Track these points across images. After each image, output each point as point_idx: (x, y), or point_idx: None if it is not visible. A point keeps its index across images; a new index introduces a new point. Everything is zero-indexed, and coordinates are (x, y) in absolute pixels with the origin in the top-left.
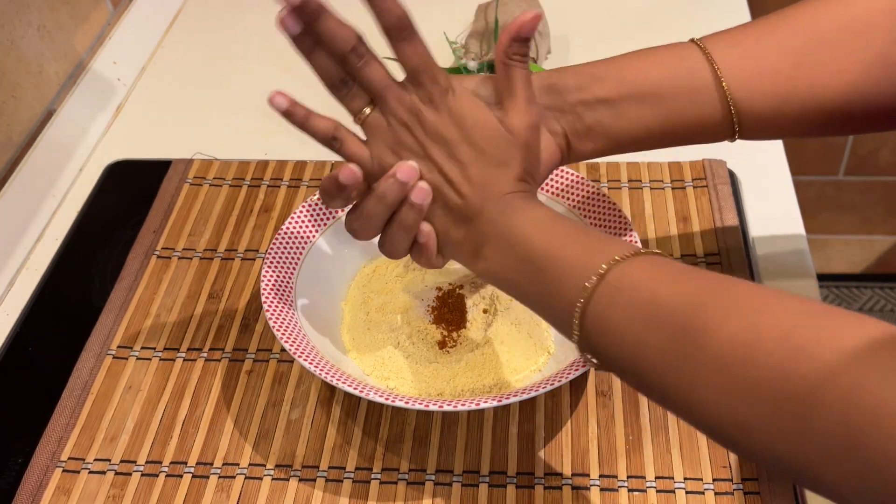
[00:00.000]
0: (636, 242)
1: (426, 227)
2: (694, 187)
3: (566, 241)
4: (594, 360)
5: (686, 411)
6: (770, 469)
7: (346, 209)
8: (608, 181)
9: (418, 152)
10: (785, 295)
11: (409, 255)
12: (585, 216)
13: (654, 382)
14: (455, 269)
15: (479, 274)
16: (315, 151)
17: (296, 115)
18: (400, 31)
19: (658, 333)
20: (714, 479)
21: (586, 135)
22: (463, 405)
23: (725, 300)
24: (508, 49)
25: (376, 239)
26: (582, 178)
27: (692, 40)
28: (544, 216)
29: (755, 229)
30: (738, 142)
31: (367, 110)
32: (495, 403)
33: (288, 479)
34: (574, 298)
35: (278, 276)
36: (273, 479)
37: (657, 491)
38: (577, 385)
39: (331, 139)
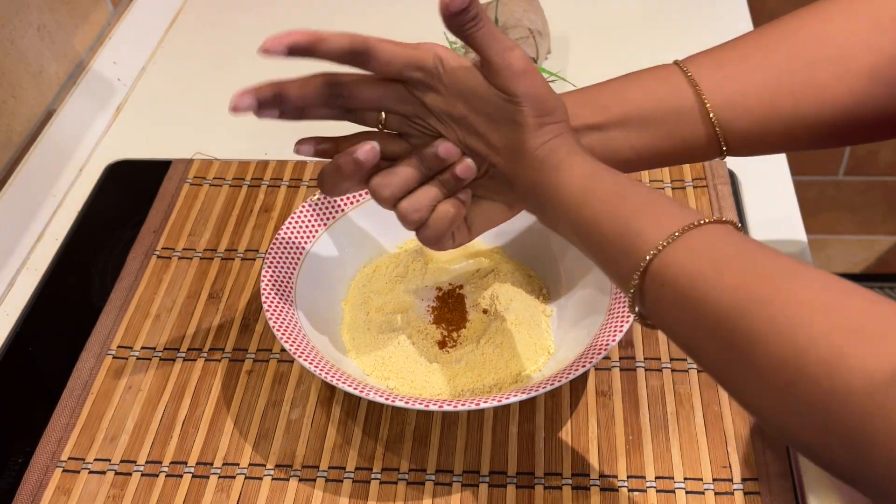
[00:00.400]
0: None
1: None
2: (694, 187)
3: (606, 218)
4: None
5: (744, 407)
6: None
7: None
8: None
9: (443, 134)
10: (837, 301)
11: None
12: None
13: (711, 374)
14: (455, 268)
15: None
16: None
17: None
18: (361, 55)
19: (708, 338)
20: (714, 479)
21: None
22: (463, 405)
23: (770, 307)
24: (455, 31)
25: (375, 238)
26: None
27: (675, 62)
28: (580, 179)
29: (755, 229)
30: None
31: (383, 115)
32: (495, 403)
33: (288, 479)
34: (625, 287)
35: (278, 276)
36: (273, 479)
37: (657, 491)
38: (577, 385)
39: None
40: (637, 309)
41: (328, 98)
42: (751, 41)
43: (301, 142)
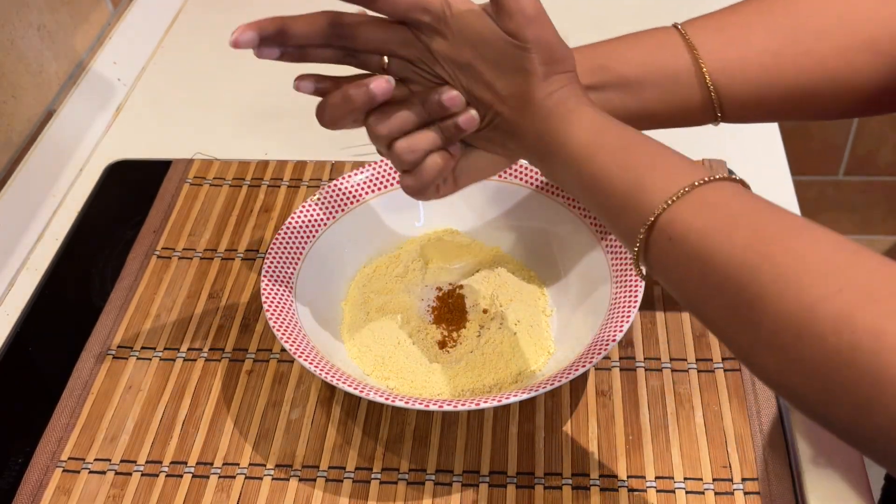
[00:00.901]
0: None
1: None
2: (724, 177)
3: (615, 170)
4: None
5: (744, 363)
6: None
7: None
8: None
9: (447, 82)
10: (847, 261)
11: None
12: (585, 215)
13: (717, 334)
14: (455, 268)
15: (552, 181)
16: (315, 151)
17: (323, 90)
18: None
19: (715, 293)
20: (714, 479)
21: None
22: (463, 405)
23: (781, 265)
24: None
25: (375, 239)
26: None
27: (675, 25)
28: (590, 129)
29: None
30: (738, 142)
31: (386, 60)
32: (495, 403)
33: (288, 479)
34: (630, 241)
35: (278, 276)
36: (273, 479)
37: (657, 491)
38: (577, 385)
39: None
40: (641, 265)
41: (332, 37)
42: (753, 8)
43: (301, 77)
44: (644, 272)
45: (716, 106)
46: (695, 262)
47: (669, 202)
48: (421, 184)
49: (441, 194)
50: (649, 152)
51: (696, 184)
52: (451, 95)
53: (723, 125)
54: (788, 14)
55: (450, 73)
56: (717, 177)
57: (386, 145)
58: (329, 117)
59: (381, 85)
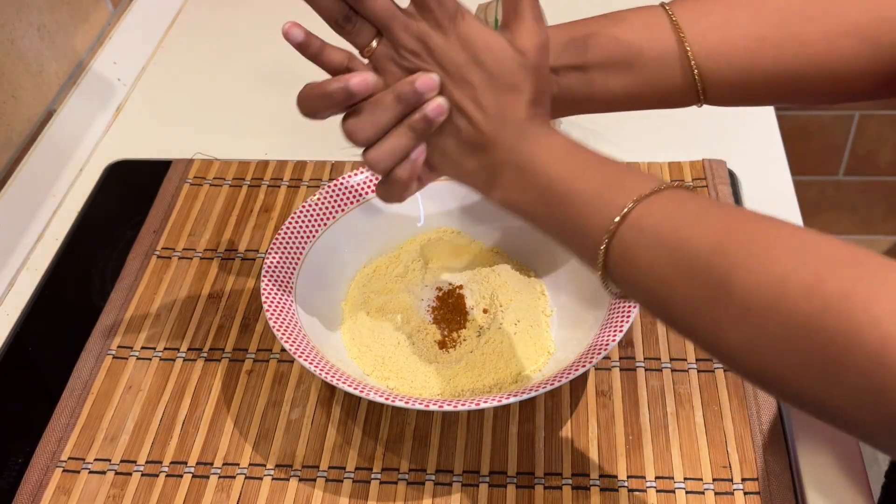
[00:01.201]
0: None
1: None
2: (693, 187)
3: (588, 174)
4: (618, 294)
5: (715, 353)
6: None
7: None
8: None
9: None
10: (812, 239)
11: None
12: None
13: (681, 323)
14: (455, 268)
15: (495, 203)
16: (315, 151)
17: (311, 47)
18: None
19: (683, 278)
20: (714, 479)
21: (556, 100)
22: (463, 405)
23: (751, 245)
24: None
25: (375, 239)
26: None
27: (662, 5)
28: (565, 145)
29: None
30: (738, 142)
31: (375, 43)
32: (495, 403)
33: (288, 479)
34: (597, 238)
35: (278, 276)
36: (273, 479)
37: (657, 491)
38: (577, 385)
39: (344, 71)
40: (602, 261)
41: None
42: None
43: (294, 24)
44: (602, 274)
45: (699, 89)
46: (665, 249)
47: (642, 196)
48: (394, 192)
49: (409, 194)
50: (621, 164)
51: (669, 186)
52: (425, 80)
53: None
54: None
55: (436, 69)
56: (691, 186)
57: (364, 147)
58: (307, 109)
59: (359, 82)
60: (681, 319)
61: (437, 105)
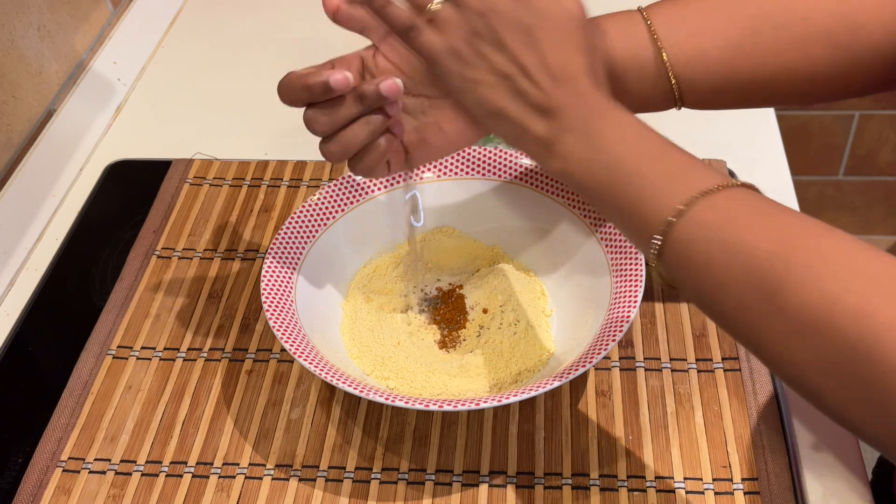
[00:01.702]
0: None
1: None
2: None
3: (655, 159)
4: (666, 282)
5: (758, 355)
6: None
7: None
8: None
9: (494, 41)
10: (870, 257)
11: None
12: (585, 216)
13: (728, 322)
14: (455, 268)
15: (551, 172)
16: (315, 151)
17: (376, 1)
18: None
19: (737, 280)
20: (714, 479)
21: None
22: (463, 405)
23: (807, 257)
24: None
25: (375, 239)
26: None
27: (639, 9)
28: (635, 124)
29: None
30: (738, 142)
31: (438, 3)
32: (495, 403)
33: (288, 479)
34: (655, 226)
35: (278, 276)
36: (273, 479)
37: (657, 491)
38: (577, 385)
39: (408, 28)
40: (657, 250)
41: None
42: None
43: None
44: (655, 262)
45: (676, 95)
46: (723, 250)
47: (707, 191)
48: (362, 168)
49: (392, 172)
50: (687, 154)
51: (735, 185)
52: (389, 83)
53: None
54: (751, 7)
55: (499, 30)
56: (750, 185)
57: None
58: (287, 97)
59: (338, 79)
60: (729, 319)
61: (390, 84)
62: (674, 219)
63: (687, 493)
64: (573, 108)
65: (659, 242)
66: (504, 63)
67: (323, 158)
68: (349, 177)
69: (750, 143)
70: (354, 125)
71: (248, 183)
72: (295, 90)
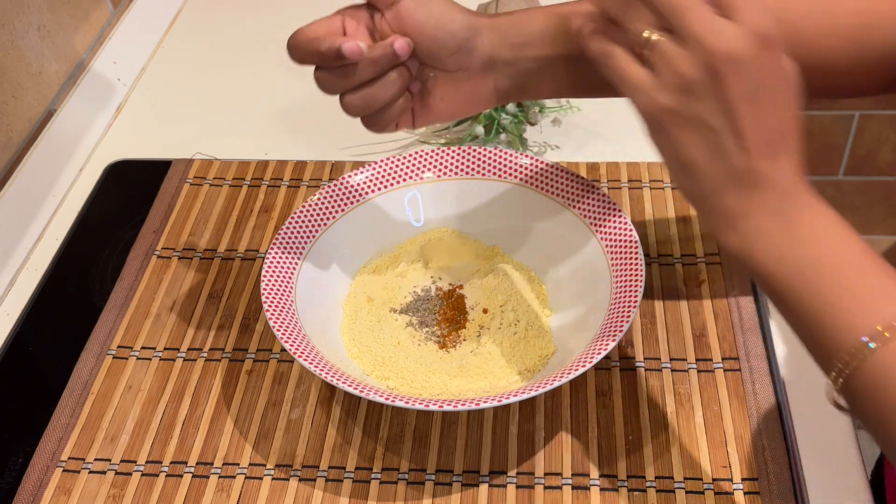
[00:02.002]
0: (635, 241)
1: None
2: None
3: (861, 267)
4: (843, 409)
5: None
6: None
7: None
8: (608, 181)
9: (712, 86)
10: None
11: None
12: (585, 216)
13: None
14: (455, 268)
15: (723, 245)
16: (315, 151)
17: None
18: None
19: None
20: (714, 479)
21: (521, 89)
22: (463, 405)
23: None
24: None
25: (375, 239)
26: (582, 178)
27: None
28: (842, 224)
29: None
30: None
31: (655, 35)
32: (495, 403)
33: (288, 479)
34: (848, 345)
35: (278, 276)
36: (273, 479)
37: (657, 491)
38: (577, 385)
39: (607, 56)
40: (846, 372)
41: None
42: None
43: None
44: (837, 384)
45: None
46: None
47: None
48: (380, 124)
49: (399, 128)
50: (892, 269)
51: None
52: (402, 42)
53: None
54: None
55: (727, 83)
56: None
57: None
58: (297, 57)
59: (351, 48)
60: None
61: (404, 43)
62: (874, 344)
63: (687, 493)
64: (776, 186)
65: (849, 365)
66: (714, 112)
67: (324, 159)
68: (349, 177)
69: None
70: (380, 83)
71: (248, 183)
72: (306, 53)
